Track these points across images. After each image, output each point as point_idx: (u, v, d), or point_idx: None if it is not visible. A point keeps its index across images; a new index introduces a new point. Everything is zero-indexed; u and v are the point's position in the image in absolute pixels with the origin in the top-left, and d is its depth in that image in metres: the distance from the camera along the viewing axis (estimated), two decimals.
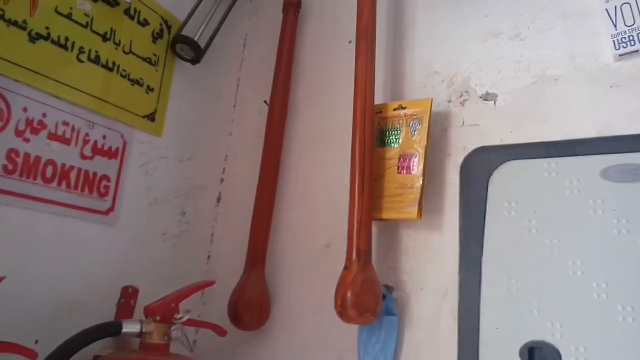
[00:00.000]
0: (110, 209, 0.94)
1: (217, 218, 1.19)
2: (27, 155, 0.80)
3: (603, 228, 0.80)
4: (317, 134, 1.12)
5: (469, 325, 0.85)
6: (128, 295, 0.96)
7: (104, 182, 0.93)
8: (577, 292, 0.80)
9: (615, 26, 0.87)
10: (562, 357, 0.78)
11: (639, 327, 0.74)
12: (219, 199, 1.20)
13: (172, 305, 0.90)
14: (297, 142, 1.15)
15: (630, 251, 0.78)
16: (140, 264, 1.00)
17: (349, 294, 0.86)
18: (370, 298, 0.87)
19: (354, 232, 0.90)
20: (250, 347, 1.06)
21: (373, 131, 0.97)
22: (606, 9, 0.88)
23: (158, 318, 0.88)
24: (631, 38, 0.85)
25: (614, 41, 0.87)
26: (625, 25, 0.86)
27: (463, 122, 0.97)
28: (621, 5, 0.87)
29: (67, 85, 0.86)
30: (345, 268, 0.90)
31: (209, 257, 1.17)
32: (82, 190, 0.89)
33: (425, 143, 0.93)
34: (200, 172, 1.15)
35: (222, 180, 1.21)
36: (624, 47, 0.86)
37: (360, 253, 0.90)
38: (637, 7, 0.86)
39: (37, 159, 0.82)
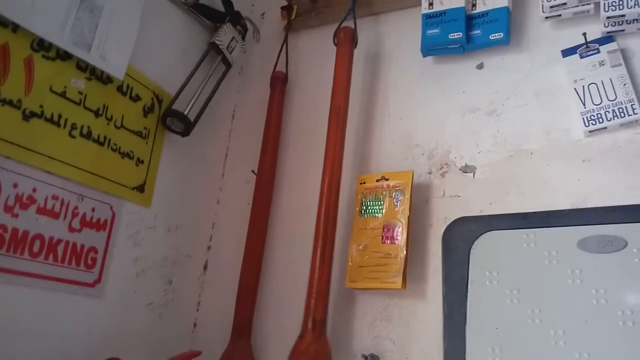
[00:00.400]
0: (97, 281, 0.94)
1: (203, 286, 1.20)
2: (15, 230, 0.81)
3: (582, 298, 0.82)
4: (303, 204, 1.14)
5: None
6: None
7: (92, 254, 0.94)
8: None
9: (584, 104, 0.93)
10: None
11: None
12: (205, 267, 1.21)
13: None
14: (284, 211, 1.17)
15: (609, 320, 0.80)
16: (125, 335, 0.99)
17: None
18: None
19: (311, 301, 0.92)
20: None
21: (337, 202, 1.00)
22: (574, 88, 0.94)
23: None
24: (599, 116, 0.91)
25: (583, 118, 0.92)
26: (593, 103, 0.92)
27: (444, 193, 1.00)
28: (588, 85, 0.93)
29: (58, 160, 0.88)
30: (300, 337, 0.91)
31: (195, 325, 1.16)
32: (70, 263, 0.90)
33: (408, 214, 0.96)
34: (188, 240, 1.17)
35: (209, 247, 1.22)
36: (593, 124, 0.91)
37: (315, 323, 0.92)
38: (604, 87, 0.92)
39: (25, 233, 0.83)
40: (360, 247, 0.99)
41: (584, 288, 0.83)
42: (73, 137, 0.92)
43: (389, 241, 0.96)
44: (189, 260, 1.16)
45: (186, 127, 1.11)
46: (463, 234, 0.96)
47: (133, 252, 1.03)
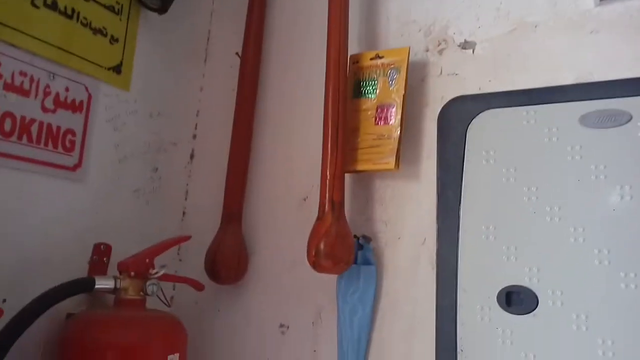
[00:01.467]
0: (77, 165, 0.90)
1: (191, 175, 1.16)
2: None
3: (581, 174, 0.80)
4: (293, 86, 1.09)
5: (447, 272, 0.86)
6: (100, 252, 0.93)
7: (70, 137, 0.89)
8: (554, 237, 0.80)
9: None
10: (539, 300, 0.79)
11: (614, 270, 0.76)
12: (192, 156, 1.17)
13: (147, 260, 0.88)
14: (272, 96, 1.11)
15: (606, 196, 0.78)
16: (112, 222, 0.97)
17: (322, 245, 0.86)
18: (344, 249, 0.88)
19: (327, 183, 0.89)
20: (228, 301, 1.05)
21: (347, 82, 0.94)
22: None
23: (133, 274, 0.86)
24: None
25: None
26: None
27: (441, 71, 0.95)
28: None
29: (20, 31, 0.81)
30: (319, 219, 0.89)
31: (184, 213, 1.14)
32: (46, 145, 0.85)
33: (403, 92, 0.91)
34: (172, 128, 1.11)
35: (194, 136, 1.18)
36: None
37: (334, 205, 0.89)
38: None
39: None
40: (353, 129, 0.95)
41: (583, 164, 0.81)
42: (36, 6, 0.83)
43: (382, 122, 0.92)
44: (174, 148, 1.12)
45: (163, 2, 1.02)
46: (460, 113, 0.92)
47: (114, 136, 0.98)
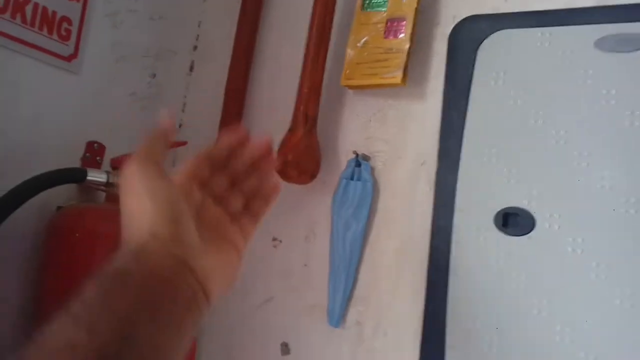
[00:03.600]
0: (73, 56, 0.87)
1: (189, 87, 1.13)
2: None
3: (591, 99, 0.79)
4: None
5: (446, 192, 0.85)
6: (94, 150, 0.91)
7: (65, 25, 0.85)
8: (557, 161, 0.79)
9: None
10: (536, 223, 0.78)
11: (615, 194, 0.75)
12: (191, 68, 1.13)
13: None
14: (278, 11, 1.07)
15: (614, 121, 0.77)
16: (105, 122, 0.94)
17: (290, 156, 0.88)
18: (311, 162, 0.91)
19: (303, 95, 0.89)
20: None
21: None
22: None
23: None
24: None
25: None
26: None
27: None
28: None
29: None
30: (290, 130, 0.90)
31: (180, 125, 1.12)
32: (41, 28, 0.81)
33: (416, 5, 0.88)
34: (172, 35, 1.07)
35: (195, 47, 1.14)
36: None
37: (307, 118, 0.89)
38: None
39: None
40: (360, 43, 0.92)
41: (594, 88, 0.79)
42: None
43: (392, 36, 0.89)
44: (174, 56, 1.08)
45: None
46: (472, 32, 0.89)
47: (112, 34, 0.94)
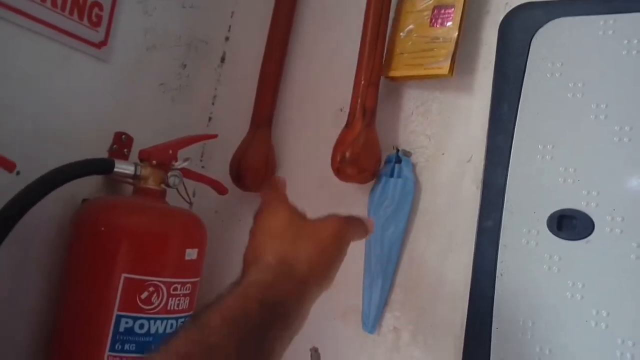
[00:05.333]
0: (103, 43, 0.83)
1: (220, 79, 1.09)
2: None
3: None
4: None
5: (494, 192, 0.78)
6: (121, 143, 0.87)
7: (96, 10, 0.82)
8: (620, 159, 0.72)
9: None
10: (595, 226, 0.71)
11: None
12: (223, 59, 1.09)
13: (170, 151, 0.82)
14: (312, 2, 1.03)
15: None
16: (134, 112, 0.91)
17: (348, 152, 0.82)
18: (370, 158, 0.83)
19: (361, 88, 0.84)
20: (251, 210, 0.98)
21: None
22: None
23: (154, 162, 0.80)
24: None
25: None
26: None
27: None
28: None
29: None
30: (347, 126, 0.84)
31: (210, 118, 1.08)
32: (71, 13, 0.78)
33: None
34: (204, 24, 1.04)
35: (227, 38, 1.10)
36: None
37: (365, 112, 0.84)
38: None
39: None
40: (404, 32, 0.86)
41: None
42: None
43: (438, 24, 0.83)
44: (205, 46, 1.04)
45: None
46: (526, 21, 0.82)
47: (143, 21, 0.90)
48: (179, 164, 0.82)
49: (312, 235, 0.51)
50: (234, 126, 1.02)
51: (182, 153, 0.86)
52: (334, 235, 0.52)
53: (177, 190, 0.84)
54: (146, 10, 0.91)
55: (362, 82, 0.83)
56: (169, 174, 0.81)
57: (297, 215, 0.53)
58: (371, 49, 0.84)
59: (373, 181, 0.87)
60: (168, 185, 0.81)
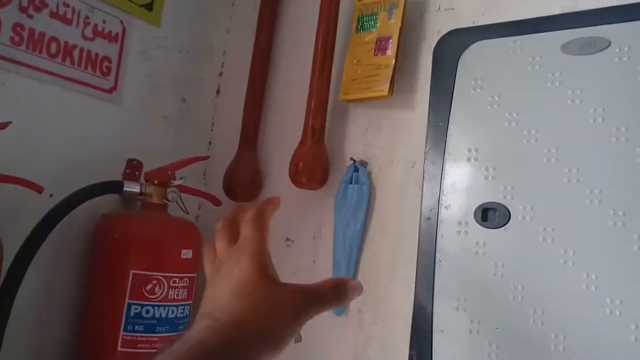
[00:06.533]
0: (113, 88, 1.04)
1: (217, 109, 1.29)
2: (31, 30, 0.90)
3: (559, 99, 0.85)
4: (309, 26, 1.17)
5: (431, 190, 0.93)
6: (133, 167, 1.07)
7: (106, 63, 1.03)
8: (529, 158, 0.86)
9: None
10: (511, 215, 0.85)
11: (582, 187, 0.81)
12: (218, 91, 1.29)
13: (169, 172, 1.01)
14: (289, 34, 1.21)
15: (580, 117, 0.83)
16: (143, 143, 1.11)
17: (300, 165, 1.01)
18: (318, 169, 1.03)
19: (310, 111, 1.03)
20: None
21: (337, 16, 1.06)
22: None
23: (156, 182, 1.00)
24: None
25: None
26: None
27: (439, 6, 1.01)
28: None
29: None
30: (301, 142, 1.03)
31: (210, 143, 1.27)
32: (86, 68, 0.99)
33: (400, 25, 0.98)
34: (200, 64, 1.24)
35: (220, 73, 1.30)
36: None
37: (314, 131, 1.03)
38: None
39: (42, 34, 0.91)
40: (355, 61, 1.03)
41: (562, 89, 0.85)
42: None
43: (380, 53, 1.00)
44: (201, 82, 1.24)
45: None
46: (453, 45, 0.97)
47: (145, 67, 1.11)
48: (176, 182, 1.01)
49: (273, 305, 0.47)
50: (231, 148, 1.21)
51: (184, 173, 1.05)
52: (293, 315, 0.47)
53: (177, 203, 1.03)
54: (148, 58, 1.11)
55: (312, 106, 1.01)
56: (168, 190, 1.00)
57: (267, 274, 0.49)
58: (319, 76, 1.02)
59: (340, 187, 1.03)
60: (168, 200, 1.01)
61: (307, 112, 1.04)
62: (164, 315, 0.92)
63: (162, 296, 0.92)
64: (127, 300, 0.89)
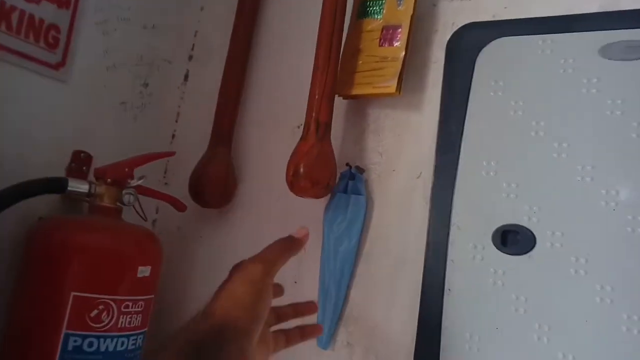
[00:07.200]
0: (60, 64, 0.85)
1: (184, 97, 1.11)
2: None
3: (595, 109, 0.74)
4: (294, 10, 1.02)
5: (442, 207, 0.80)
6: (80, 160, 0.89)
7: (53, 33, 0.84)
8: (560, 175, 0.74)
9: None
10: (537, 241, 0.73)
11: (621, 212, 0.70)
12: (186, 77, 1.11)
13: (126, 169, 0.83)
14: (271, 21, 1.05)
15: (620, 133, 0.72)
16: (94, 131, 0.92)
17: (302, 165, 0.82)
18: (324, 171, 0.84)
19: (315, 102, 0.85)
20: (212, 226, 1.01)
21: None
22: None
23: (109, 181, 0.81)
24: None
25: None
26: None
27: None
28: None
29: None
30: (302, 139, 0.85)
31: (173, 136, 1.10)
32: (27, 36, 0.80)
33: (412, 12, 0.84)
34: (167, 44, 1.06)
35: (190, 57, 1.12)
36: None
37: (319, 125, 0.84)
38: None
39: None
40: (356, 51, 0.89)
41: (598, 98, 0.74)
42: None
43: (387, 44, 0.86)
44: (168, 65, 1.06)
45: None
46: (471, 40, 0.85)
47: (102, 42, 0.92)
48: (134, 182, 0.83)
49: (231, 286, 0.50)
50: (197, 143, 1.04)
51: (142, 171, 0.87)
52: (250, 282, 0.50)
53: (134, 207, 0.85)
54: (106, 31, 0.93)
55: (316, 96, 0.85)
56: (124, 191, 0.82)
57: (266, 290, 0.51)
58: (324, 64, 0.85)
59: (328, 196, 0.88)
60: (123, 203, 0.82)
61: (310, 103, 0.87)
62: (111, 348, 0.74)
63: (110, 324, 0.73)
64: (64, 330, 0.70)
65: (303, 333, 0.63)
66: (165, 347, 0.43)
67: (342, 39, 0.89)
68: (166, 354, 0.42)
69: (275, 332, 0.60)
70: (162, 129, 1.07)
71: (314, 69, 0.88)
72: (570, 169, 0.74)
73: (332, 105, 0.87)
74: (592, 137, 0.74)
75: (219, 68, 1.03)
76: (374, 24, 0.88)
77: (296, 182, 0.82)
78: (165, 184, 1.07)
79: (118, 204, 0.82)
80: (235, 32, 1.02)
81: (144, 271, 0.77)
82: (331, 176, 0.85)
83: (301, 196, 0.86)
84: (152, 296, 0.81)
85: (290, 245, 0.58)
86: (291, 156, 0.85)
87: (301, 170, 0.82)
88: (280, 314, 0.61)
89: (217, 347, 0.43)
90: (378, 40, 0.87)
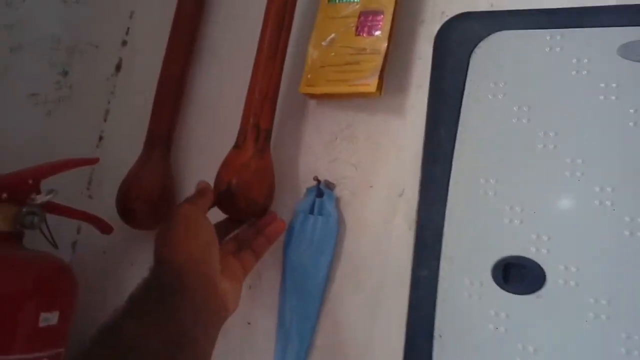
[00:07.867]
0: None
1: (114, 91, 0.92)
2: None
3: (616, 119, 0.62)
4: None
5: (430, 234, 0.66)
6: None
7: None
8: (574, 198, 0.61)
9: None
10: (547, 277, 0.60)
11: None
12: (118, 67, 0.92)
13: (30, 181, 0.64)
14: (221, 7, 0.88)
15: None
16: None
17: (235, 180, 0.67)
18: (262, 190, 0.70)
19: (254, 103, 0.70)
20: (145, 252, 0.81)
21: None
22: None
23: (5, 196, 0.62)
24: None
25: None
26: None
27: None
28: None
29: None
30: (236, 147, 0.70)
31: (100, 138, 0.90)
32: None
33: None
34: (94, 24, 0.87)
35: (124, 42, 0.93)
36: None
37: (259, 132, 0.70)
38: None
39: None
40: (326, 41, 0.73)
41: (619, 105, 0.62)
42: None
43: (365, 33, 0.71)
44: (95, 51, 0.87)
45: None
46: (464, 33, 0.71)
47: (6, 14, 0.74)
48: (40, 198, 0.64)
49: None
50: (130, 147, 0.85)
51: (55, 182, 0.68)
52: (185, 219, 0.57)
53: (40, 230, 0.66)
54: (9, 2, 0.73)
55: (255, 96, 0.69)
56: (25, 209, 0.63)
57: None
58: (269, 58, 0.70)
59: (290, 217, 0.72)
60: (24, 226, 0.63)
61: (248, 105, 0.71)
62: None
63: None
64: None
65: (268, 237, 0.67)
66: (132, 311, 0.49)
67: (292, 22, 0.74)
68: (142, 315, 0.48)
69: (239, 254, 0.63)
70: (85, 129, 0.87)
71: (255, 62, 0.72)
72: (586, 191, 0.61)
73: (275, 107, 0.72)
74: (612, 153, 0.61)
75: (158, 56, 0.85)
76: (350, 8, 0.73)
77: (226, 199, 0.67)
78: (90, 197, 0.88)
79: (18, 227, 0.63)
80: (179, 14, 0.84)
81: (48, 318, 0.59)
82: (269, 195, 0.72)
83: (234, 217, 0.70)
84: (62, 350, 0.62)
85: (204, 189, 0.64)
86: (222, 168, 0.69)
87: (234, 185, 0.67)
88: (242, 238, 0.66)
89: (189, 288, 0.50)
90: (354, 28, 0.71)
